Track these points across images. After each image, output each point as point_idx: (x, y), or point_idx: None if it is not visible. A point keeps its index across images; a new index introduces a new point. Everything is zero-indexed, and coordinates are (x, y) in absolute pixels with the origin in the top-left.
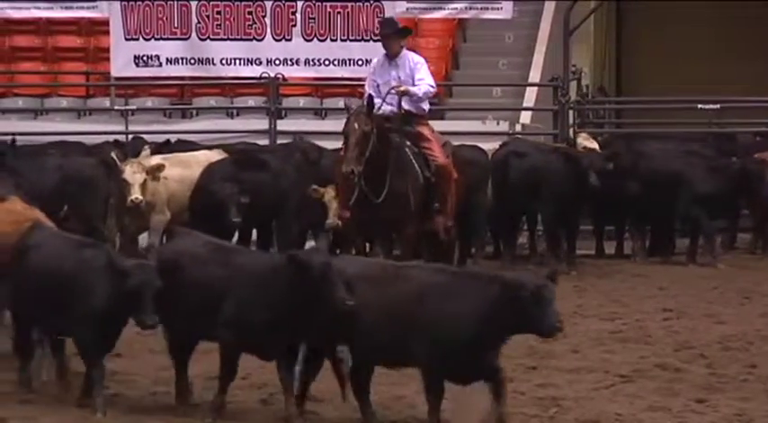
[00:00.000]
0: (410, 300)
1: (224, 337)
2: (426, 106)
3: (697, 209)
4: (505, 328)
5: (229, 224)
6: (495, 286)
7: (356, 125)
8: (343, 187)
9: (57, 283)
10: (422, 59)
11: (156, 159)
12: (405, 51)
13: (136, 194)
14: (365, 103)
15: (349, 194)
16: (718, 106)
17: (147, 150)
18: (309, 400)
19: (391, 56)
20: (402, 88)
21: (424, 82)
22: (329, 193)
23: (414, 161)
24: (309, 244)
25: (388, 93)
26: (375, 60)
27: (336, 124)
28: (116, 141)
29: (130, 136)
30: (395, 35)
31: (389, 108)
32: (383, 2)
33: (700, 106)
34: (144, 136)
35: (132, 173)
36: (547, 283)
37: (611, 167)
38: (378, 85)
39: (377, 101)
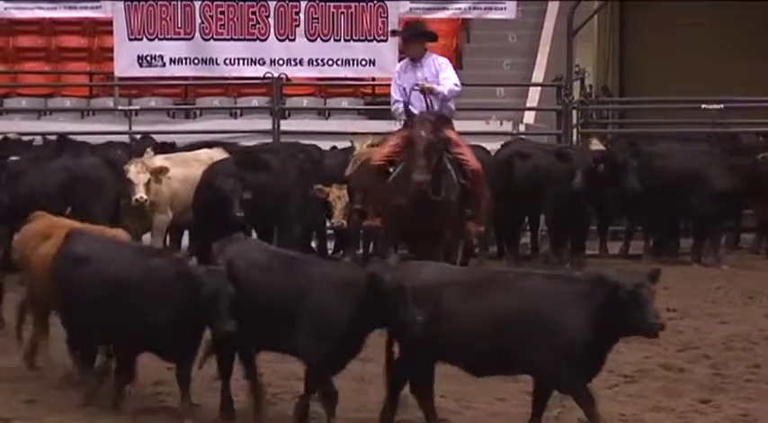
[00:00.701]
0: (523, 308)
1: (310, 355)
2: (453, 107)
3: (710, 208)
4: (611, 330)
5: (233, 219)
6: (601, 288)
7: (423, 132)
8: (375, 193)
9: (125, 293)
10: (446, 60)
11: (160, 161)
12: (429, 53)
13: (140, 194)
14: (402, 109)
15: (381, 201)
16: (721, 106)
17: (150, 153)
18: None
19: (415, 58)
20: (427, 85)
21: (449, 81)
22: (334, 193)
23: (450, 167)
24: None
25: (413, 89)
26: (399, 64)
27: (340, 124)
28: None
29: (137, 136)
30: (417, 38)
31: (416, 111)
32: (387, 2)
33: (703, 106)
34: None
35: (136, 172)
36: (645, 282)
37: (602, 169)
38: (404, 89)
39: (400, 105)
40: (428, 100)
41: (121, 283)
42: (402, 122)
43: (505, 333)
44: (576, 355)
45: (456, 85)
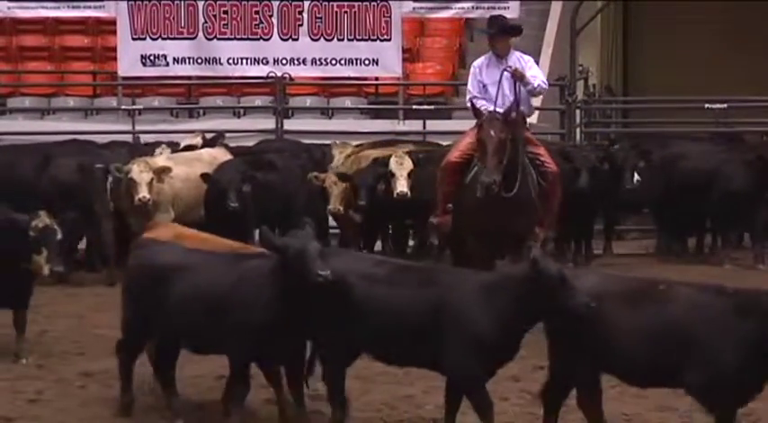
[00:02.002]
0: (684, 322)
1: (461, 370)
2: (533, 106)
3: (729, 207)
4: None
5: (229, 210)
6: (749, 301)
7: (492, 132)
8: (444, 184)
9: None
10: (531, 58)
11: (162, 160)
12: (513, 50)
13: (143, 193)
14: (472, 109)
15: (450, 193)
16: (725, 106)
17: (162, 148)
18: (315, 399)
19: (500, 55)
20: (520, 71)
21: (537, 78)
22: (330, 179)
23: (531, 168)
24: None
25: (504, 71)
26: (479, 61)
27: (343, 124)
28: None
29: (142, 136)
30: (502, 34)
31: (500, 110)
32: (390, 1)
33: (707, 106)
34: (151, 136)
35: (139, 172)
36: None
37: (606, 167)
38: (484, 86)
39: (483, 102)
40: (517, 88)
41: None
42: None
43: (661, 347)
44: (734, 379)
45: (544, 82)
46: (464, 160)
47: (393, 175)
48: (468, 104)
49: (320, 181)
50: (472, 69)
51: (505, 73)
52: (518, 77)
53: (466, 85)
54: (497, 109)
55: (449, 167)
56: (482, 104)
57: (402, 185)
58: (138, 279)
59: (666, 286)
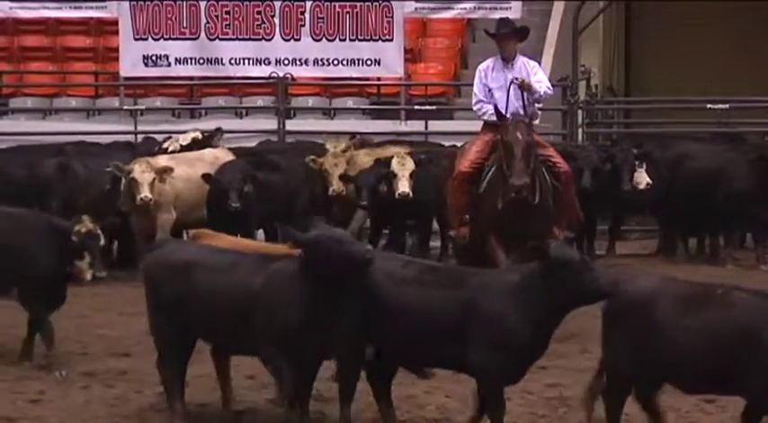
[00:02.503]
0: (742, 329)
1: (485, 370)
2: (539, 109)
3: (733, 207)
4: None
5: (230, 210)
6: None
7: (519, 135)
8: (458, 195)
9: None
10: (536, 63)
11: (164, 160)
12: (519, 55)
13: (145, 193)
14: (492, 111)
15: (465, 204)
16: (727, 106)
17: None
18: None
19: (506, 58)
20: (527, 82)
21: (543, 84)
22: (329, 161)
23: (543, 170)
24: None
25: (511, 83)
26: (484, 64)
27: (345, 124)
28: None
29: (140, 136)
30: (512, 35)
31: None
32: (392, 2)
33: (709, 106)
34: (153, 136)
35: (141, 172)
36: None
37: (609, 168)
38: (490, 90)
39: (488, 108)
40: (524, 97)
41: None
42: (483, 124)
43: (720, 353)
44: None
45: (549, 88)
46: (475, 169)
47: (395, 175)
48: (475, 108)
49: (318, 164)
50: (478, 73)
51: (510, 77)
52: (525, 88)
53: (468, 85)
54: (507, 115)
55: (461, 178)
56: (486, 110)
57: (404, 186)
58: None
59: (724, 290)
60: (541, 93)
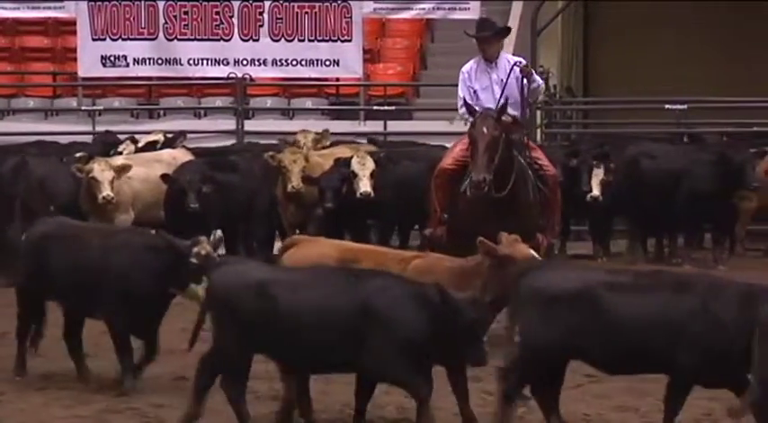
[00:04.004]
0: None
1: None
2: (527, 111)
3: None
4: None
5: (188, 211)
6: None
7: (485, 129)
8: (439, 192)
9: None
10: (522, 60)
11: (121, 159)
12: (502, 53)
13: (107, 192)
14: (466, 109)
15: (445, 202)
16: (685, 107)
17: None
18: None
19: (489, 59)
20: (529, 67)
21: (535, 78)
22: (288, 158)
23: (529, 172)
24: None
25: (513, 66)
26: (467, 66)
27: (304, 125)
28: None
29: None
30: (495, 37)
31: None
32: (350, 2)
33: (667, 106)
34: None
35: (101, 171)
36: None
37: (575, 164)
38: (475, 92)
39: (477, 108)
40: (523, 83)
41: None
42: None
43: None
44: None
45: (542, 82)
46: (458, 167)
47: (356, 175)
48: (461, 111)
49: (276, 161)
50: (461, 75)
51: (495, 77)
52: (527, 73)
53: (427, 85)
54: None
55: (443, 175)
56: (465, 108)
57: (365, 185)
58: None
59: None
60: (539, 82)
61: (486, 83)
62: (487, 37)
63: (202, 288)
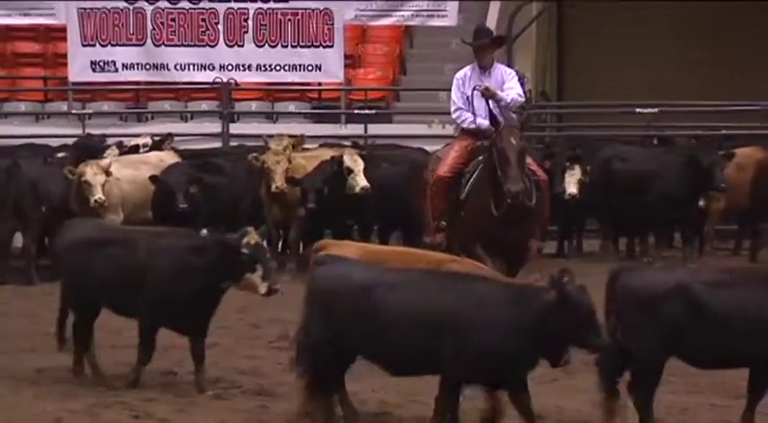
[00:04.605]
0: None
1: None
2: (515, 117)
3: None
4: None
5: (177, 211)
6: None
7: (513, 140)
8: (436, 200)
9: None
10: (513, 71)
11: (108, 161)
12: (496, 63)
13: (99, 195)
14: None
15: (444, 209)
16: (655, 110)
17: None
18: None
19: (483, 67)
20: (491, 90)
21: (513, 90)
22: (271, 159)
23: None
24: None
25: (474, 89)
26: (461, 73)
27: (287, 128)
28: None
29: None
30: (490, 45)
31: (485, 123)
32: (332, 9)
33: (638, 110)
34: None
35: (93, 174)
36: None
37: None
38: (468, 98)
39: (468, 114)
40: (490, 105)
41: None
42: (460, 130)
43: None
44: None
45: (519, 95)
46: (454, 175)
47: (351, 171)
48: (454, 116)
49: (260, 162)
50: (455, 81)
51: (478, 91)
52: (489, 96)
53: (406, 90)
54: (480, 121)
55: (439, 183)
56: (465, 118)
57: (363, 180)
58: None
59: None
60: (508, 99)
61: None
62: (484, 45)
63: (257, 276)
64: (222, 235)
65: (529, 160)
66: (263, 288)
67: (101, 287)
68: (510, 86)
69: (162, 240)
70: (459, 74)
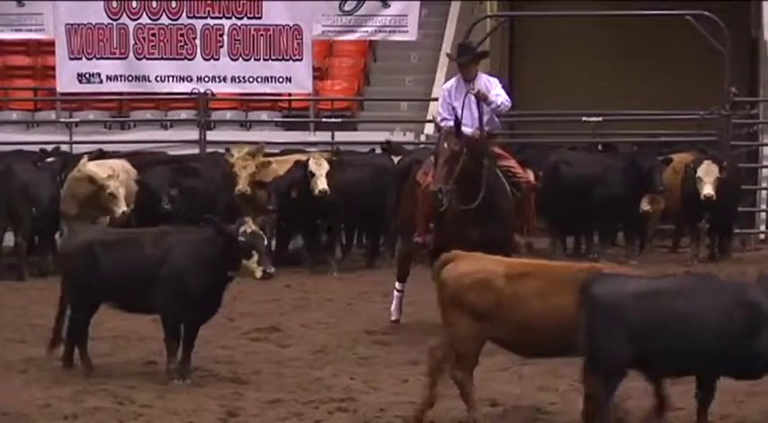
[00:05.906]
0: None
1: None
2: (499, 123)
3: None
4: None
5: (161, 212)
6: None
7: (446, 145)
8: (424, 208)
9: None
10: (496, 79)
11: (93, 166)
12: (480, 74)
13: (123, 207)
14: (453, 124)
15: (430, 217)
16: (600, 119)
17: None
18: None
19: (467, 79)
20: (483, 92)
21: (500, 96)
22: (239, 163)
23: (504, 181)
24: None
25: (467, 93)
26: (448, 84)
27: (260, 135)
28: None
29: (82, 146)
30: (473, 60)
31: (470, 130)
32: (301, 25)
33: (584, 119)
34: (86, 146)
35: (117, 187)
36: None
37: None
38: (453, 108)
39: (446, 122)
40: (481, 108)
41: None
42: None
43: None
44: None
45: (506, 100)
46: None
47: (313, 174)
48: (441, 125)
49: (229, 165)
50: (442, 93)
51: (471, 95)
52: (481, 98)
53: (370, 100)
54: (446, 123)
55: (427, 193)
56: (445, 123)
57: (323, 184)
58: None
59: None
60: (498, 103)
61: (465, 100)
62: (468, 60)
63: (253, 262)
64: (222, 225)
65: (513, 163)
66: (258, 272)
67: (111, 287)
68: (497, 93)
69: (170, 237)
70: (446, 85)
